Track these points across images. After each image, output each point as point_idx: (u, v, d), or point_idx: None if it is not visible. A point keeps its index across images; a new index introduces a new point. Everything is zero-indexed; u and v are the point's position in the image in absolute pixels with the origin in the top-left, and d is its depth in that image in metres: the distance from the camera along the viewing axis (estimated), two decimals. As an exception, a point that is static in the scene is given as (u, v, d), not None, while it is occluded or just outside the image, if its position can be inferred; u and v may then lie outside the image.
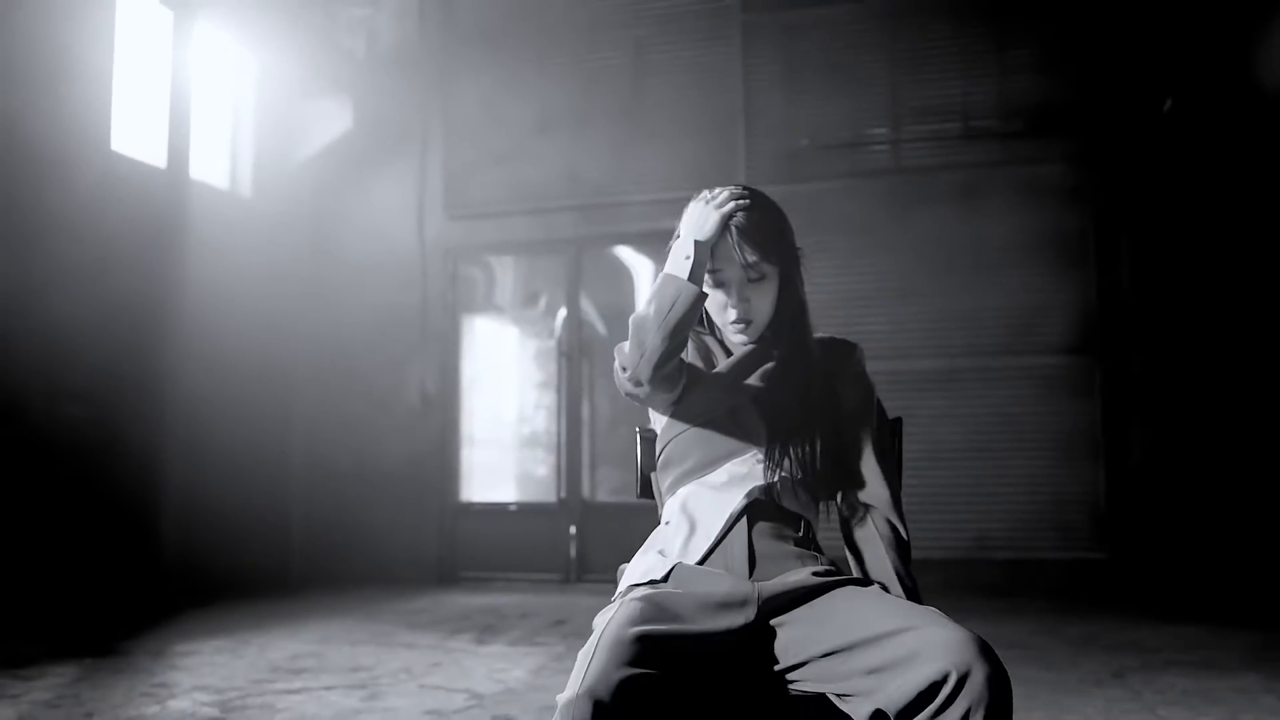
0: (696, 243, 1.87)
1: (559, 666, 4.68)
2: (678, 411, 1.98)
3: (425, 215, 9.05)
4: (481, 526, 8.68)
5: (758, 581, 1.79)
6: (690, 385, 1.96)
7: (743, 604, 1.75)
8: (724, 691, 1.70)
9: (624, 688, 1.50)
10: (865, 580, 1.87)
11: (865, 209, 8.08)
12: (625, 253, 8.72)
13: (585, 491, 8.56)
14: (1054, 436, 7.67)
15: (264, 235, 8.68)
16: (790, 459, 1.89)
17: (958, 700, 1.51)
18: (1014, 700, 1.58)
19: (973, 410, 7.80)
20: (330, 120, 9.20)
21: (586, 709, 1.47)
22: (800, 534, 1.92)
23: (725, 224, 1.92)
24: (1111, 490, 7.52)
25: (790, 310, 2.01)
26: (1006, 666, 1.59)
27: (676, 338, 1.83)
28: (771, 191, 7.56)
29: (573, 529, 8.43)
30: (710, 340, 2.04)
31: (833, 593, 1.78)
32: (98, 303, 6.80)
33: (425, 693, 4.13)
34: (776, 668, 1.73)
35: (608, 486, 8.56)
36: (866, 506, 1.94)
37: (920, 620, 1.62)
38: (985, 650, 1.56)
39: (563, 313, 8.71)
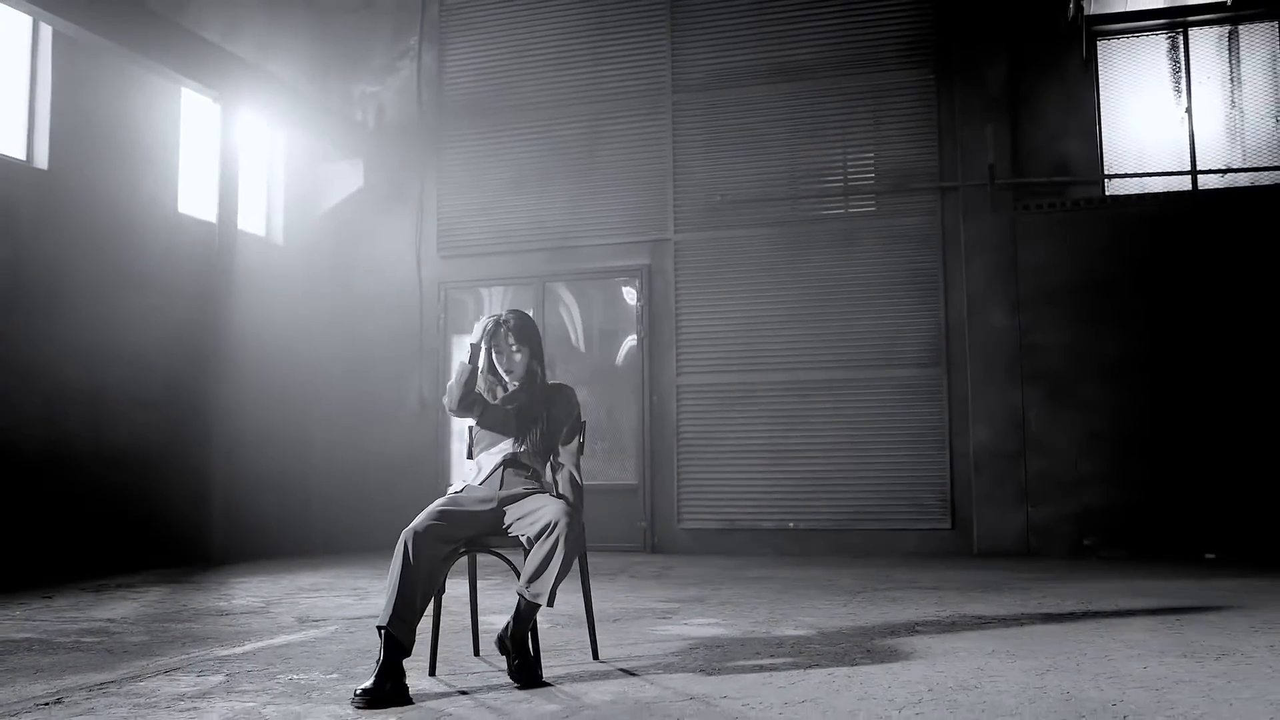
0: (473, 345, 4.02)
1: (494, 588, 6.81)
2: (479, 421, 4.15)
3: (422, 255, 11.26)
4: (467, 505, 10.85)
5: (501, 491, 3.95)
6: (486, 408, 4.13)
7: (492, 500, 3.91)
8: (478, 533, 3.86)
9: (429, 529, 3.65)
10: (551, 492, 3.99)
11: (767, 251, 10.21)
12: (583, 286, 10.85)
13: (548, 477, 10.70)
14: (911, 432, 9.77)
15: (293, 274, 10.93)
16: (528, 441, 4.05)
17: (555, 530, 3.64)
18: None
19: (849, 412, 9.91)
20: (345, 180, 11.46)
21: (410, 534, 3.61)
22: (530, 475, 4.05)
23: (497, 328, 4.07)
24: (955, 474, 9.61)
25: (536, 368, 4.15)
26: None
27: (467, 391, 4.02)
28: (695, 237, 10.71)
29: (539, 507, 10.57)
30: (497, 386, 4.20)
31: (531, 496, 3.92)
32: (166, 330, 9.06)
33: (397, 599, 6.30)
34: (503, 525, 3.88)
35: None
36: (561, 464, 4.07)
37: (553, 502, 3.76)
38: (570, 513, 3.68)
39: (531, 334, 10.85)
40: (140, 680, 3.76)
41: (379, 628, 3.49)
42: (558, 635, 4.80)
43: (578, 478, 4.07)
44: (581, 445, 4.19)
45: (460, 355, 4.05)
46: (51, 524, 7.87)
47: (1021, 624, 4.96)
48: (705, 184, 10.49)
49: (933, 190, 9.92)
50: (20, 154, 8.18)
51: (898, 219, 10.01)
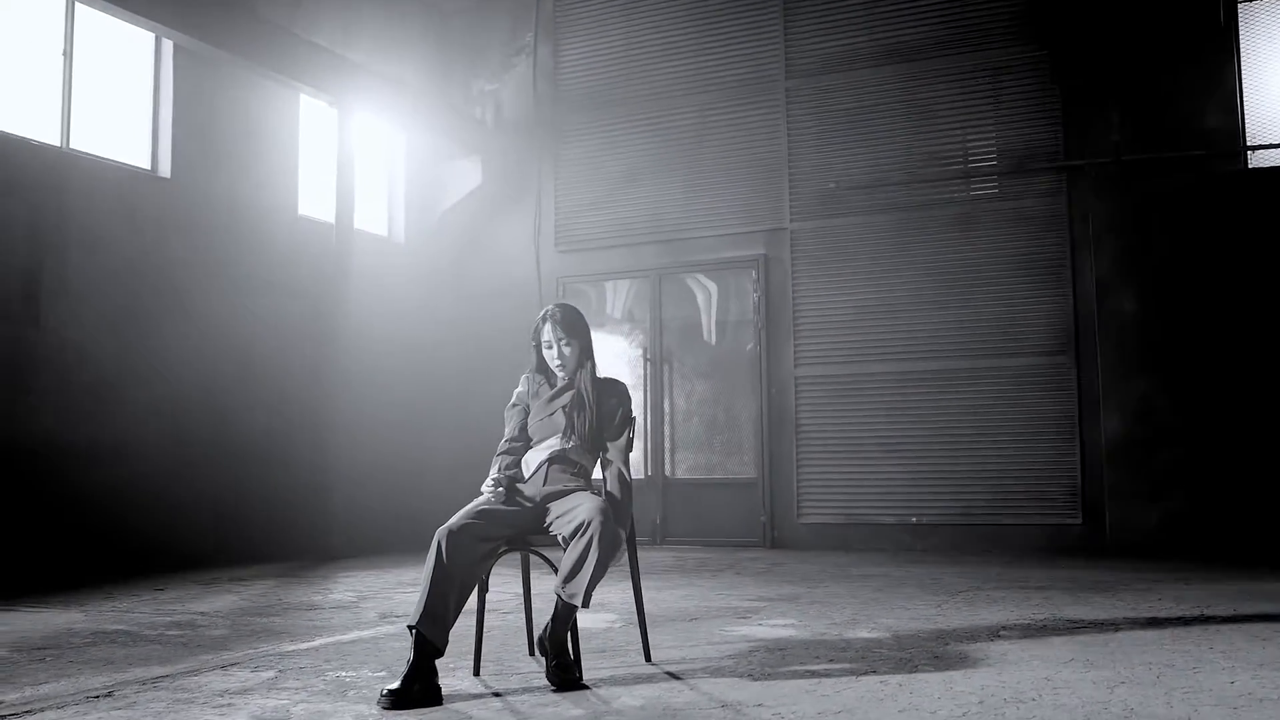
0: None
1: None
2: (529, 418, 4.09)
3: (541, 250, 11.33)
4: (587, 499, 10.84)
5: (545, 488, 3.87)
6: (533, 406, 4.07)
7: (535, 497, 3.84)
8: (519, 531, 3.78)
9: (464, 529, 3.60)
10: (598, 490, 3.89)
11: (885, 237, 9.92)
12: (697, 278, 10.73)
13: (667, 470, 10.64)
14: (1038, 423, 9.35)
15: (414, 271, 11.13)
16: (575, 436, 3.96)
17: (588, 530, 3.54)
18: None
19: (972, 401, 9.54)
20: (465, 177, 11.62)
21: (444, 533, 3.57)
22: (577, 471, 3.96)
23: (543, 322, 4.02)
24: (1085, 467, 9.15)
25: (586, 362, 4.05)
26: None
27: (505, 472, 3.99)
28: (811, 225, 10.60)
29: (657, 500, 10.52)
30: (544, 379, 4.13)
31: (574, 493, 3.83)
32: (287, 330, 9.33)
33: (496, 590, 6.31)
34: (545, 523, 3.79)
35: (685, 466, 10.62)
36: (610, 461, 3.96)
37: (589, 501, 3.66)
38: (605, 511, 3.58)
39: (648, 326, 10.81)
40: (195, 675, 3.84)
41: (409, 627, 3.46)
42: (625, 634, 4.72)
43: (626, 475, 3.96)
44: (631, 441, 4.09)
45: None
46: (172, 519, 8.18)
47: (1118, 629, 4.65)
48: (820, 171, 10.25)
49: (1056, 170, 9.45)
50: (145, 163, 8.52)
51: (1020, 200, 9.58)
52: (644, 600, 4.07)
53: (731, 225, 10.56)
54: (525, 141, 11.52)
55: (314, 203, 10.05)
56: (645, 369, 10.79)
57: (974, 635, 4.53)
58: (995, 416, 9.48)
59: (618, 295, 11.23)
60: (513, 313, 11.28)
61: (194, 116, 8.76)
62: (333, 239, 9.67)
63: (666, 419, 10.70)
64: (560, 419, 4.03)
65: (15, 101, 7.64)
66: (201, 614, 5.46)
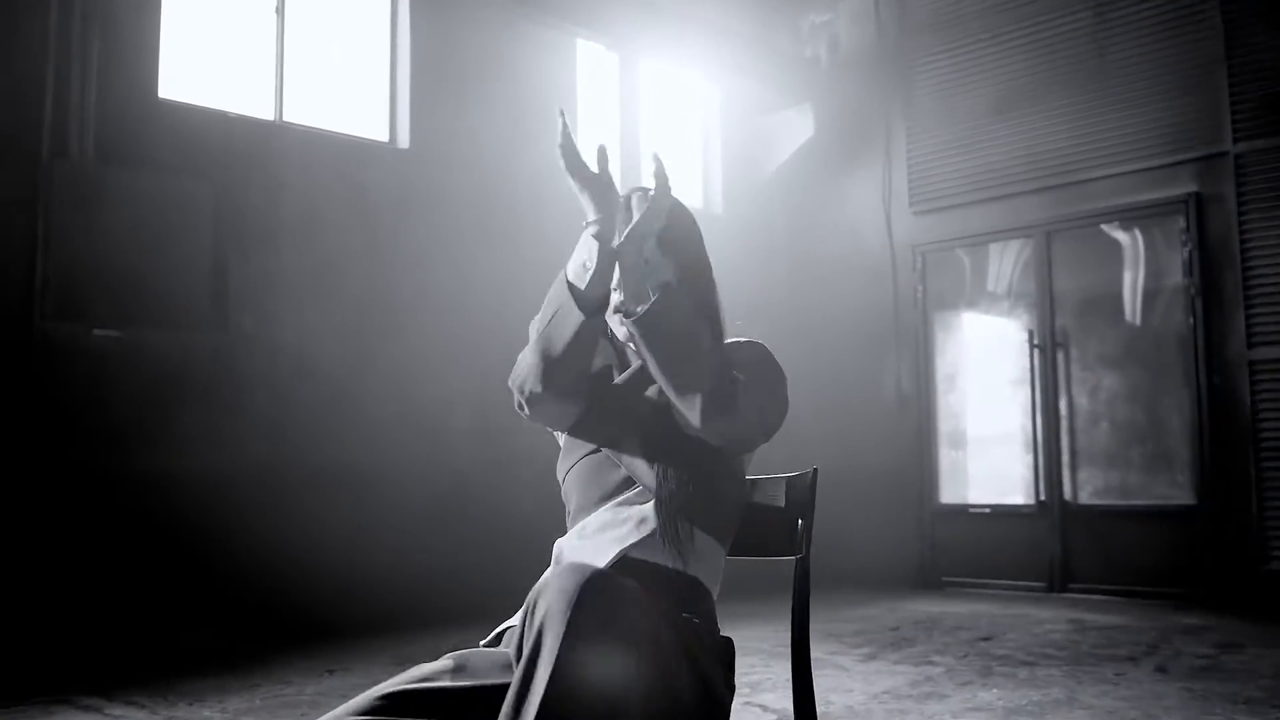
0: (601, 249, 1.81)
1: (917, 680, 4.50)
2: (567, 441, 1.95)
3: (891, 211, 8.98)
4: (960, 530, 8.41)
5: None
6: (590, 406, 1.92)
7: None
8: None
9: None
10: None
11: (1387, 153, 6.72)
12: (1099, 233, 7.95)
13: (1065, 492, 7.95)
14: None
15: (737, 247, 9.08)
16: (668, 478, 1.76)
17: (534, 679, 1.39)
18: None
19: None
20: (792, 130, 9.48)
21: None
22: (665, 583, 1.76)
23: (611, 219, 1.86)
24: None
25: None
26: None
27: (552, 356, 1.80)
28: (1261, 146, 7.11)
29: (1052, 533, 7.89)
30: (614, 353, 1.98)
31: None
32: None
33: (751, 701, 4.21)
34: None
35: (1090, 488, 7.89)
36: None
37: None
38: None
39: (1034, 301, 8.18)
40: None
41: None
42: None
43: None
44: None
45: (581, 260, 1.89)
46: (423, 566, 6.61)
47: None
48: (1277, 68, 7.16)
49: None
50: (379, 134, 7.14)
51: None
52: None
53: (1145, 157, 7.68)
54: (866, 80, 9.18)
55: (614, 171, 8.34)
56: (1032, 357, 8.14)
57: None
58: None
59: (995, 263, 8.63)
60: (860, 289, 9.03)
61: (438, 76, 7.26)
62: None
63: (1063, 424, 7.99)
64: (634, 457, 1.85)
65: (211, 70, 6.45)
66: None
